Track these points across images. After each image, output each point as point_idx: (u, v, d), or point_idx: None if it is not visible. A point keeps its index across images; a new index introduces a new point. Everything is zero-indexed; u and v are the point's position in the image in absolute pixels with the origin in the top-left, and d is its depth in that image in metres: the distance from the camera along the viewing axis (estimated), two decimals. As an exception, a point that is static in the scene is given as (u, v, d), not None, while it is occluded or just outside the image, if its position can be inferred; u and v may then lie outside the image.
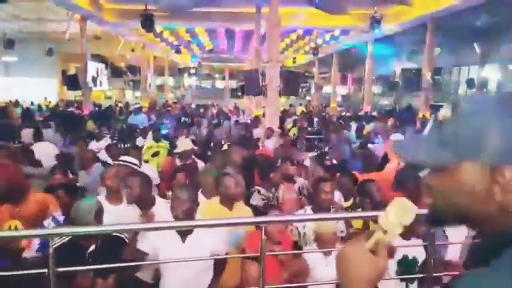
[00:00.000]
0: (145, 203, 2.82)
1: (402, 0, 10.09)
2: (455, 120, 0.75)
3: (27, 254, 2.56)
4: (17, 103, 15.45)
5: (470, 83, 14.47)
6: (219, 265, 2.54)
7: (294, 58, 20.21)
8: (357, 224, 3.13)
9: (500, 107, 0.72)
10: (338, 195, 3.69)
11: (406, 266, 2.58)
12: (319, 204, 3.15)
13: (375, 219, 2.75)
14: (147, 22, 10.19)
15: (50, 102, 18.27)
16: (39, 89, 19.92)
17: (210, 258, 2.44)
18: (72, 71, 16.86)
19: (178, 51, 17.75)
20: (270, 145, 6.78)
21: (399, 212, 0.82)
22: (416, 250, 2.59)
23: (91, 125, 9.45)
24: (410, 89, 16.24)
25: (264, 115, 10.09)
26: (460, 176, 0.72)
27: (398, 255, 2.57)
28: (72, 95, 19.38)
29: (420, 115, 11.13)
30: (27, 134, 6.85)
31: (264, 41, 11.08)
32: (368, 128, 9.16)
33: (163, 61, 23.29)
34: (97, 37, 15.27)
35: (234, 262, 2.68)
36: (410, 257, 2.61)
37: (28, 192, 2.89)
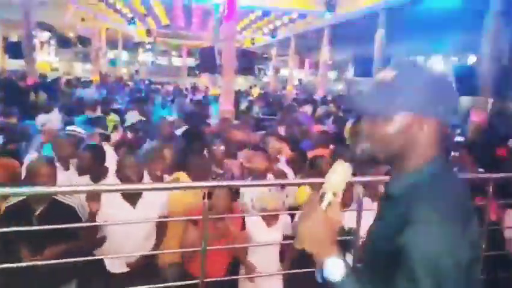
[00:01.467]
0: (96, 174, 2.89)
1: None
2: (389, 82, 0.96)
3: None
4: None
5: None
6: (161, 229, 2.66)
7: (253, 39, 20.16)
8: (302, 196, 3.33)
9: (422, 72, 0.96)
10: (289, 172, 3.90)
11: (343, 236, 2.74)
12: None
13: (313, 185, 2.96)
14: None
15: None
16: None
17: (158, 220, 2.56)
18: (14, 39, 15.66)
19: (132, 23, 17.03)
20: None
21: (340, 172, 0.96)
22: (351, 221, 2.69)
23: (42, 96, 8.94)
24: (362, 75, 16.87)
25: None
26: (394, 124, 0.94)
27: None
28: (15, 64, 18.05)
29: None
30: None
31: (221, 20, 10.96)
32: (320, 110, 9.50)
33: (116, 34, 22.23)
34: (42, 3, 14.20)
35: (176, 226, 2.78)
36: (346, 228, 2.82)
37: None
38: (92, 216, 2.41)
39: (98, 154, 3.10)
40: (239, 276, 2.88)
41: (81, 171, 3.01)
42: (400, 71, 0.96)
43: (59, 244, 2.29)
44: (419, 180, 0.94)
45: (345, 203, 2.87)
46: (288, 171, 3.92)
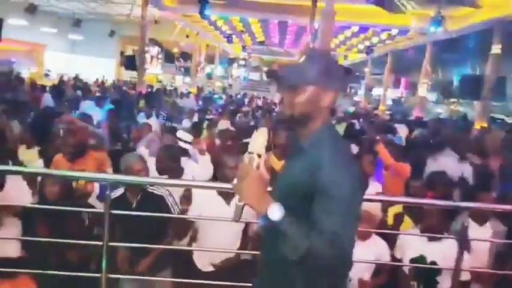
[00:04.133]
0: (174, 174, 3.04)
1: (471, 2, 9.49)
2: (302, 63, 1.27)
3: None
4: (77, 78, 16.54)
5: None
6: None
7: (346, 56, 19.76)
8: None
9: (324, 57, 1.31)
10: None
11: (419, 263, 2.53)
12: None
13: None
14: (204, 9, 10.45)
15: (107, 80, 19.30)
16: (100, 67, 21.10)
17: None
18: (129, 53, 17.69)
19: (229, 41, 18.00)
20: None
21: (259, 137, 1.23)
22: (436, 255, 2.51)
23: (142, 103, 9.92)
24: (468, 98, 15.31)
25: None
26: (304, 94, 1.26)
27: (415, 253, 2.55)
28: (128, 75, 20.36)
29: (477, 126, 10.40)
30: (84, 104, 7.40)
31: (316, 36, 10.96)
32: (416, 133, 8.77)
33: (214, 50, 23.74)
34: (156, 21, 15.86)
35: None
36: (429, 261, 2.51)
37: (88, 149, 3.37)
38: (184, 212, 2.54)
39: (175, 155, 3.20)
40: None
41: (160, 171, 3.10)
42: (310, 55, 1.29)
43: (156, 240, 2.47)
44: (322, 136, 1.27)
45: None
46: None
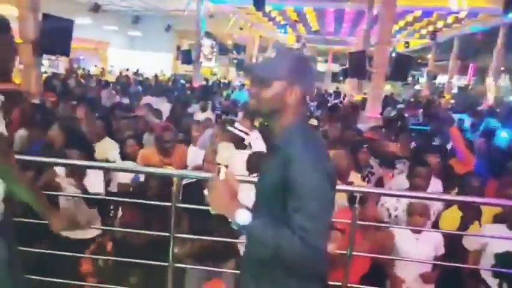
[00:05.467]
0: None
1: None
2: (270, 58, 1.37)
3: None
4: (137, 74, 17.33)
5: None
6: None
7: (407, 42, 18.60)
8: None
9: (293, 54, 1.37)
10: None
11: (503, 261, 2.43)
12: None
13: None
14: (259, 1, 10.33)
15: (164, 75, 20.04)
16: (158, 62, 21.95)
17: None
18: (185, 47, 18.15)
19: (283, 32, 17.77)
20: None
21: (226, 150, 1.34)
22: None
23: (197, 97, 10.13)
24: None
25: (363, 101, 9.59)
26: (271, 89, 1.27)
27: (500, 249, 2.46)
28: (183, 69, 20.95)
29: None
30: (147, 100, 7.69)
31: (374, 22, 10.40)
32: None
33: (267, 41, 23.60)
34: (211, 15, 16.08)
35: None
36: None
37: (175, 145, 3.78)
38: None
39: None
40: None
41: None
42: (278, 51, 1.38)
43: None
44: (293, 133, 1.27)
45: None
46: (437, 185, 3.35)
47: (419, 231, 2.59)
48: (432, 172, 3.10)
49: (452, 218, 2.94)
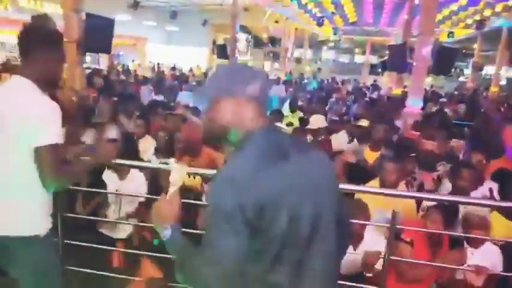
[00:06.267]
0: None
1: None
2: (213, 77, 1.28)
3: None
4: (173, 69, 17.66)
5: None
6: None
7: (451, 32, 17.64)
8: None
9: (223, 66, 1.35)
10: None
11: None
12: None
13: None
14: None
15: (200, 69, 20.31)
16: (194, 56, 22.28)
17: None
18: (220, 41, 18.27)
19: (320, 24, 17.41)
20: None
21: (178, 173, 1.33)
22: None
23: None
24: None
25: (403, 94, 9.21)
26: (212, 107, 1.22)
27: None
28: (219, 63, 21.12)
29: None
30: (183, 95, 7.82)
31: (417, 12, 9.93)
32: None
33: (303, 33, 23.27)
34: (246, 9, 16.05)
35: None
36: None
37: (202, 147, 3.23)
38: None
39: None
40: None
41: None
42: (215, 69, 1.36)
43: None
44: (240, 147, 1.17)
45: None
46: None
47: (475, 246, 2.42)
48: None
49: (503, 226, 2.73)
